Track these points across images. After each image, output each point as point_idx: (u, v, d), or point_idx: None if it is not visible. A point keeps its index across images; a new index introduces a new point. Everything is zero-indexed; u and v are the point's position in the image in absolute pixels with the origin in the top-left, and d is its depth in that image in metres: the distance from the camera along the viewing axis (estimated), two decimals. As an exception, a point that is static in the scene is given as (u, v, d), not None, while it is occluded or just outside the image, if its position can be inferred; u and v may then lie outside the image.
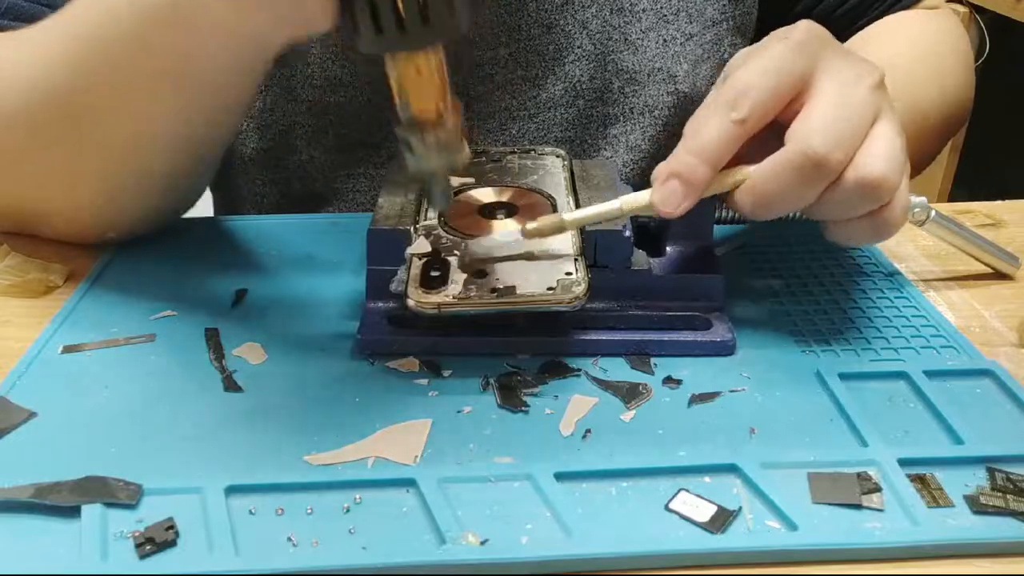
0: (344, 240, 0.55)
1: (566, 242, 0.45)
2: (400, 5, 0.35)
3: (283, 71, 0.62)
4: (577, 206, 0.48)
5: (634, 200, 0.43)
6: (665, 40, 0.64)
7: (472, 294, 0.42)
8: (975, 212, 0.60)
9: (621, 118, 0.66)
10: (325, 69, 0.62)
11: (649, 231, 0.48)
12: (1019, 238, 0.56)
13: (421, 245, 0.45)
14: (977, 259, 0.53)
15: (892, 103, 0.43)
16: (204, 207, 0.62)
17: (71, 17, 0.47)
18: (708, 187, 0.41)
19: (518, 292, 0.42)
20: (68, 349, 0.45)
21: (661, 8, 0.63)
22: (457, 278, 0.43)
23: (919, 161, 0.61)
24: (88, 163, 0.49)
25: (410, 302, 0.42)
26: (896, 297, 0.50)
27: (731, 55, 0.67)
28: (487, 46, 0.62)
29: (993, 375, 0.43)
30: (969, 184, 1.32)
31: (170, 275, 0.51)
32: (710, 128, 0.40)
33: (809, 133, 0.40)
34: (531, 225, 0.43)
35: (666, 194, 0.41)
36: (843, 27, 0.67)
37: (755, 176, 0.41)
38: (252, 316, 0.48)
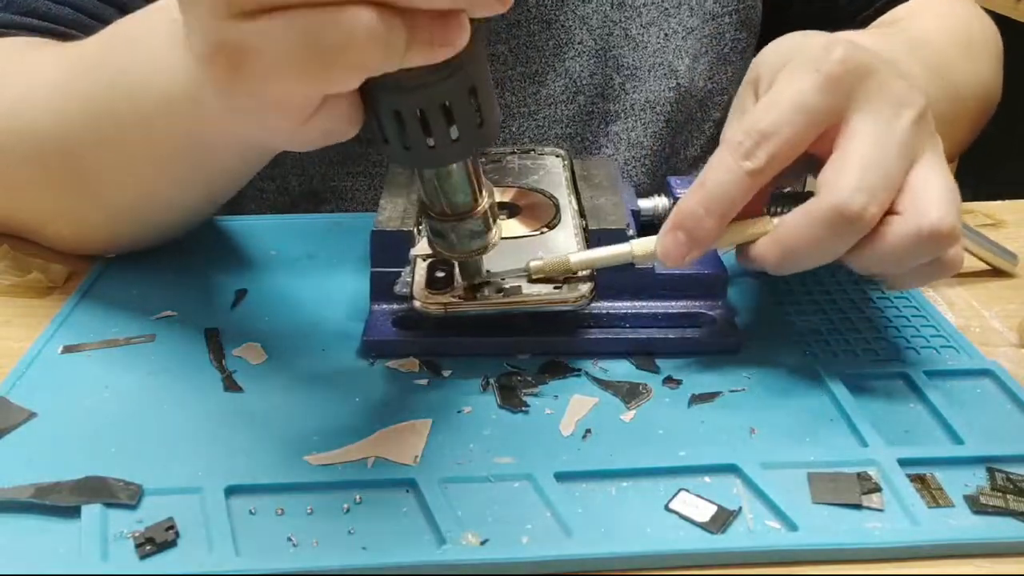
0: (345, 240, 0.55)
1: (570, 241, 0.45)
2: (430, 126, 0.33)
3: None
4: (579, 206, 0.48)
5: (646, 245, 0.42)
6: (666, 34, 0.63)
7: (478, 295, 0.42)
8: (975, 212, 0.60)
9: (622, 114, 0.65)
10: None
11: (652, 229, 0.48)
12: (1019, 238, 0.56)
13: (424, 247, 0.44)
14: (976, 256, 0.53)
15: (934, 132, 0.40)
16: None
17: (92, 77, 0.46)
18: (721, 238, 0.39)
19: (524, 292, 0.42)
20: (68, 349, 0.45)
21: (663, 2, 0.63)
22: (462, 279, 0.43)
23: (954, 147, 0.59)
24: (90, 204, 0.49)
25: (416, 303, 0.42)
26: (896, 297, 0.50)
27: (732, 48, 0.67)
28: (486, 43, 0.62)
29: (993, 375, 0.43)
30: (969, 184, 1.32)
31: (170, 275, 0.51)
32: (721, 177, 0.38)
33: (841, 185, 0.37)
34: (535, 264, 0.42)
35: (669, 246, 0.39)
36: (849, 17, 0.66)
37: (781, 230, 0.39)
38: (252, 316, 0.48)
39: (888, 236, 0.37)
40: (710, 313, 0.45)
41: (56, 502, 0.35)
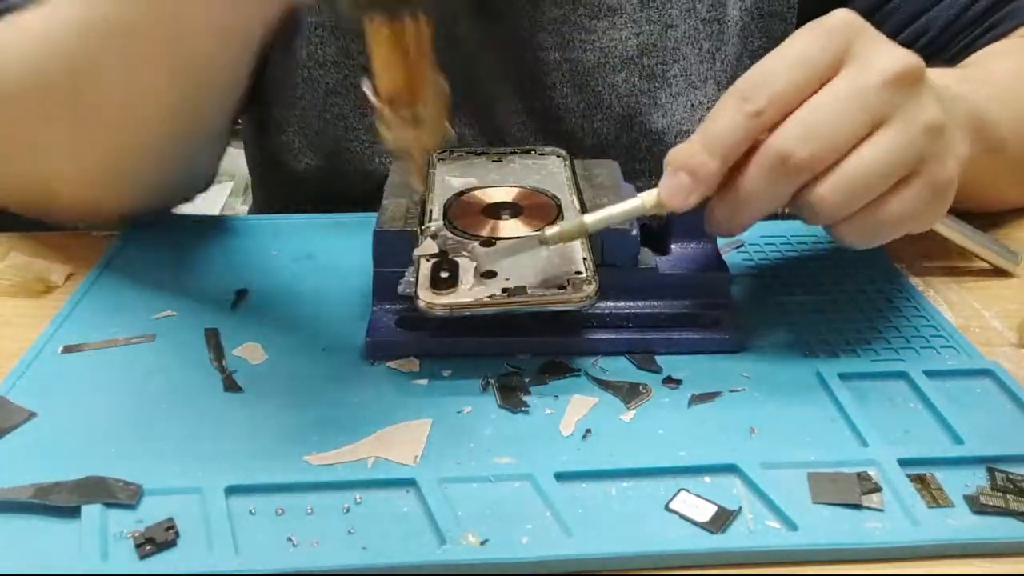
0: (345, 240, 0.55)
1: (574, 242, 0.45)
2: None
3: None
4: (582, 205, 0.48)
5: (654, 195, 0.41)
6: (693, 105, 0.65)
7: (483, 295, 0.42)
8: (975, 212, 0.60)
9: (647, 172, 0.67)
10: None
11: (653, 230, 0.48)
12: (1019, 238, 0.56)
13: (428, 246, 0.44)
14: (977, 255, 0.53)
15: (925, 102, 0.39)
16: (209, 205, 0.62)
17: (67, 2, 0.48)
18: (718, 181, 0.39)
19: (529, 292, 0.42)
20: (68, 349, 0.45)
21: (690, 75, 0.64)
22: (467, 279, 0.42)
23: (999, 194, 0.57)
24: (88, 135, 0.51)
25: (420, 303, 0.41)
26: (896, 297, 0.50)
27: None
28: (519, 96, 0.63)
29: (993, 375, 0.43)
30: None
31: (170, 275, 0.51)
32: (722, 120, 0.39)
33: (785, 132, 0.38)
34: (552, 231, 0.42)
35: (673, 187, 0.39)
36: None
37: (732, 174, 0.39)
38: (252, 316, 0.48)
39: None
40: (713, 313, 0.45)
41: (56, 502, 0.35)
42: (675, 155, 0.40)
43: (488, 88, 0.64)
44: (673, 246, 0.48)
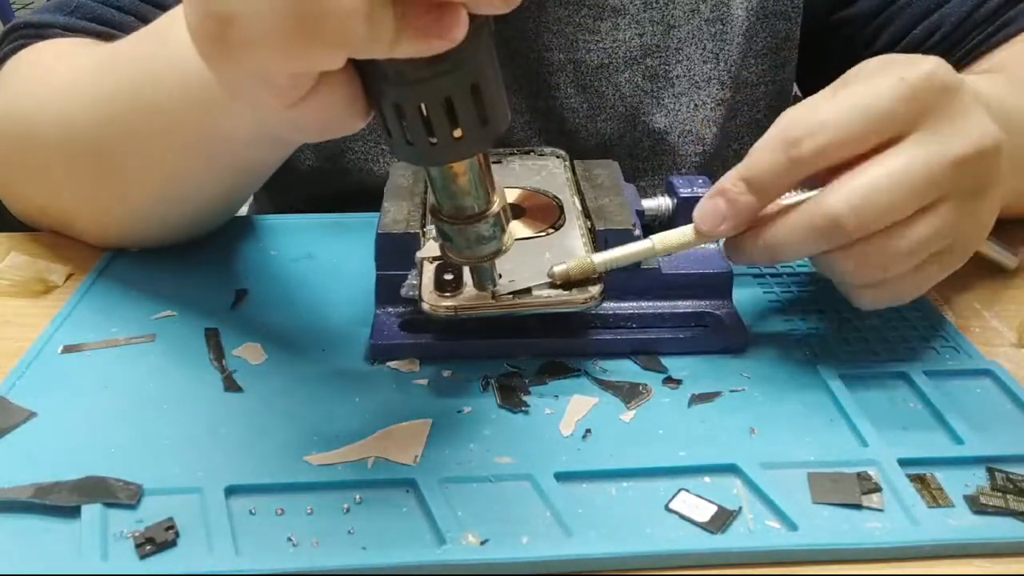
0: (345, 240, 0.55)
1: (577, 242, 0.45)
2: (432, 123, 0.32)
3: None
4: (583, 206, 0.48)
5: (666, 239, 0.42)
6: (696, 105, 0.65)
7: (488, 297, 0.42)
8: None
9: (650, 171, 0.67)
10: None
11: (656, 229, 0.48)
12: (1019, 237, 0.56)
13: (431, 249, 0.44)
14: (977, 253, 0.53)
15: (987, 181, 0.38)
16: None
17: (121, 69, 0.48)
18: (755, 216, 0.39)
19: (534, 294, 0.42)
20: (68, 349, 0.45)
21: (694, 75, 0.64)
22: (471, 281, 0.42)
23: None
24: (114, 196, 0.50)
25: (425, 306, 0.42)
26: (896, 297, 0.50)
27: (766, 115, 0.68)
28: (523, 96, 0.64)
29: (993, 375, 0.43)
30: None
31: (170, 275, 0.51)
32: (765, 158, 0.38)
33: (841, 198, 0.36)
34: (559, 269, 0.42)
35: (708, 211, 0.39)
36: None
37: (767, 220, 0.39)
38: (252, 316, 0.48)
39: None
40: (716, 313, 0.45)
41: (56, 502, 0.35)
42: (720, 182, 0.39)
43: None
44: None
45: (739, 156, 0.40)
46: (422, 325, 0.44)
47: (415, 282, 0.43)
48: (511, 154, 0.55)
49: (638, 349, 0.44)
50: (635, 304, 0.45)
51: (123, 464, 0.37)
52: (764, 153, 0.38)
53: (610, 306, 0.45)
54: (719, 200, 0.39)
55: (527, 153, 0.55)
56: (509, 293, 0.42)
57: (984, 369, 0.43)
